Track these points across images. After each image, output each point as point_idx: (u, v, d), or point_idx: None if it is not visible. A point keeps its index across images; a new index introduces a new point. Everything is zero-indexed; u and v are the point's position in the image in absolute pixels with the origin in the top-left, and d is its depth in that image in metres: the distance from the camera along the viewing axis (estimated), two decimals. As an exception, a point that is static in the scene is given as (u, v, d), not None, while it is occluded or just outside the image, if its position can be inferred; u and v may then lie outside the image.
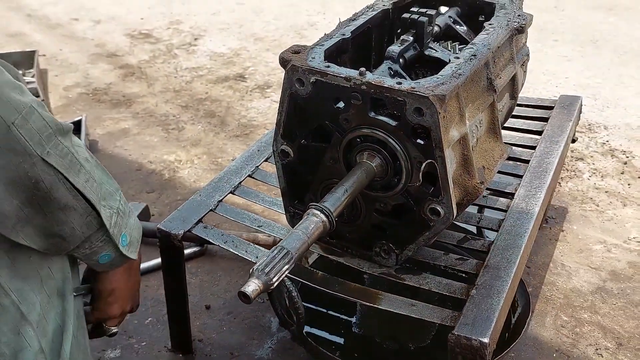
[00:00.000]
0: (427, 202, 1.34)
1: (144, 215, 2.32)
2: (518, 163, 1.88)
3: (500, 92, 1.50)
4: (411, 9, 1.47)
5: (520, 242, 1.54)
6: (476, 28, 1.63)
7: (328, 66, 1.34)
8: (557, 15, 4.06)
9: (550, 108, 2.15)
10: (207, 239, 1.61)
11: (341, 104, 1.34)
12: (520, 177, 1.80)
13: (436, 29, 1.54)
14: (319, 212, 1.20)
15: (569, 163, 2.73)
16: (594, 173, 2.68)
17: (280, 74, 2.86)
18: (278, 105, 1.45)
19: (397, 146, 1.31)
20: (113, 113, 3.13)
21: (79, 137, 2.69)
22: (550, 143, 1.94)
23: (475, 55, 1.36)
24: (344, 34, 1.48)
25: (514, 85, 1.59)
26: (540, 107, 2.18)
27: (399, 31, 1.50)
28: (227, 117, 3.09)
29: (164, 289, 1.78)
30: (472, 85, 1.36)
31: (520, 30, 1.50)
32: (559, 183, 2.61)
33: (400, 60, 1.42)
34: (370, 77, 1.29)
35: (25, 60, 3.38)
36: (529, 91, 3.25)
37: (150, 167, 2.72)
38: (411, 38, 1.42)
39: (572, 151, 2.81)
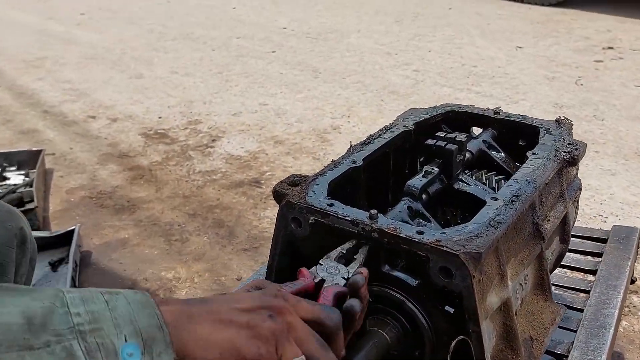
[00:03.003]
0: (457, 387, 1.02)
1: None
2: (568, 312, 1.54)
3: (549, 238, 1.20)
4: (437, 134, 1.21)
5: None
6: (516, 154, 1.37)
7: (331, 204, 1.07)
8: (596, 125, 3.81)
9: (603, 241, 1.83)
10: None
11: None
12: (573, 332, 1.46)
13: (468, 155, 1.27)
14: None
15: (623, 297, 2.36)
16: (653, 310, 2.29)
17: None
18: (270, 246, 1.17)
19: (417, 312, 1.00)
20: (114, 220, 2.91)
21: (69, 250, 2.47)
22: (606, 288, 1.60)
23: (518, 195, 1.08)
24: (354, 161, 1.22)
25: (564, 227, 1.29)
26: (591, 238, 1.86)
27: (421, 159, 1.23)
28: (237, 228, 2.83)
29: None
30: (514, 235, 1.06)
31: (572, 162, 1.22)
32: (613, 322, 2.23)
33: (423, 196, 1.14)
34: (383, 222, 1.01)
35: (30, 159, 3.24)
36: (570, 208, 2.93)
37: (144, 285, 2.43)
38: (436, 169, 1.15)
39: (624, 282, 2.45)
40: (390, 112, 3.94)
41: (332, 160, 1.25)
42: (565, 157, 1.23)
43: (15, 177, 3.17)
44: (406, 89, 4.35)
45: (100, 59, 5.49)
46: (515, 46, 5.34)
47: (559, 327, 1.48)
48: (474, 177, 1.27)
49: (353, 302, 0.82)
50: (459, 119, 1.47)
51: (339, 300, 0.83)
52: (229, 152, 3.60)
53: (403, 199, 1.11)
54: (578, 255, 1.79)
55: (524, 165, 1.19)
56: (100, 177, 3.34)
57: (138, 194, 3.16)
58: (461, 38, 5.65)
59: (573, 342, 1.41)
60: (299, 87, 4.58)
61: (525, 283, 1.12)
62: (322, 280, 0.87)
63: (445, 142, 1.18)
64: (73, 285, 2.29)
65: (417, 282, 1.00)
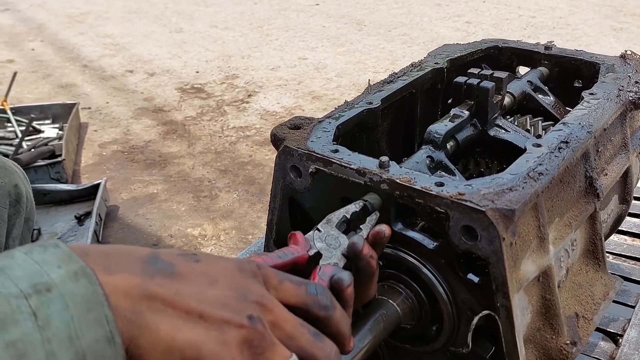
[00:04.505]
0: (482, 370, 0.85)
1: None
2: (626, 285, 1.33)
3: (605, 196, 0.99)
4: (470, 70, 1.00)
5: None
6: (570, 98, 1.15)
7: (335, 151, 0.89)
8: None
9: (671, 204, 1.59)
10: None
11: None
12: (631, 307, 1.26)
13: (508, 99, 1.06)
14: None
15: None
16: None
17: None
18: (269, 200, 1.01)
19: (434, 280, 0.83)
20: (144, 175, 2.82)
21: (93, 205, 2.39)
22: (674, 258, 1.38)
23: (567, 141, 0.87)
24: (370, 102, 1.04)
25: (626, 184, 1.07)
26: (656, 201, 1.62)
27: (449, 101, 1.04)
28: (268, 185, 2.70)
29: None
30: (560, 190, 0.87)
31: (639, 105, 1.00)
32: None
33: (449, 144, 0.95)
34: (395, 171, 0.83)
35: (65, 112, 3.18)
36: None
37: (169, 242, 2.34)
38: (466, 113, 0.95)
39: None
40: (438, 66, 3.68)
41: (346, 101, 1.07)
42: (630, 99, 1.00)
43: (49, 130, 3.12)
44: (456, 42, 4.06)
45: (143, 13, 5.39)
46: (579, -5, 4.93)
47: (614, 301, 1.28)
48: (516, 123, 1.07)
49: (341, 275, 0.65)
50: (502, 56, 1.26)
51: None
52: (265, 108, 3.45)
53: (423, 146, 0.92)
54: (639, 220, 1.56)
55: (578, 106, 0.98)
56: (133, 132, 3.26)
57: (170, 149, 3.06)
58: (519, -13, 5.26)
59: (630, 319, 1.21)
60: (341, 41, 4.36)
61: (573, 249, 0.93)
62: (318, 255, 0.70)
63: (479, 80, 0.98)
64: (95, 239, 2.22)
65: (435, 244, 0.82)
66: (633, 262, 1.43)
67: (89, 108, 3.53)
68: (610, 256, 1.45)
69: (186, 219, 2.49)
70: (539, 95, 1.11)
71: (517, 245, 0.77)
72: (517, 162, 0.84)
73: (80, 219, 2.42)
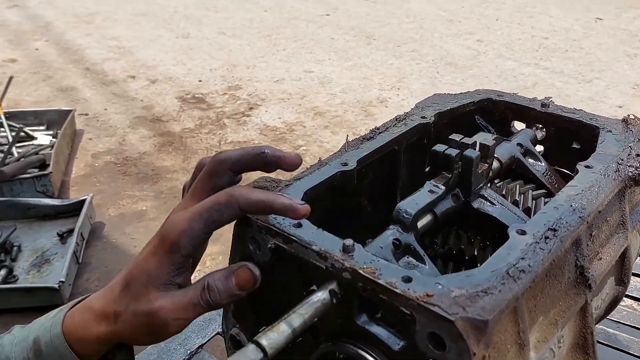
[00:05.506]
0: None
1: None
2: (634, 340, 1.23)
3: (599, 283, 0.89)
4: (451, 137, 0.91)
5: None
6: (567, 159, 1.05)
7: (299, 225, 0.80)
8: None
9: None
10: None
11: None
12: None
13: (494, 165, 0.97)
14: None
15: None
16: None
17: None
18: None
19: (398, 386, 0.74)
20: (135, 190, 2.75)
21: (77, 221, 2.31)
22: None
23: (555, 230, 0.78)
24: (345, 163, 0.95)
25: (623, 265, 0.97)
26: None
27: (426, 170, 0.95)
28: (261, 207, 2.61)
29: None
30: (546, 285, 0.77)
31: (639, 181, 0.90)
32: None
33: (425, 218, 0.86)
34: (359, 257, 0.74)
35: (61, 119, 3.11)
36: None
37: (153, 264, 2.26)
38: (442, 187, 0.86)
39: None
40: (445, 86, 3.58)
41: (320, 160, 0.98)
42: (630, 174, 0.91)
43: (42, 137, 3.06)
44: (465, 61, 3.95)
45: (152, 16, 5.34)
46: (594, 17, 4.80)
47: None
48: (505, 190, 0.97)
49: None
50: (496, 110, 1.16)
51: None
52: (265, 123, 3.37)
53: (390, 227, 0.83)
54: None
55: (571, 182, 0.88)
56: (128, 142, 3.19)
57: (164, 162, 2.99)
58: (534, 6, 5.13)
59: (624, 402, 1.12)
60: (349, 54, 4.26)
61: (560, 346, 0.83)
62: None
63: (459, 151, 0.88)
64: (75, 261, 2.14)
65: (401, 344, 0.73)
66: (634, 332, 1.33)
67: (87, 114, 3.47)
68: (607, 324, 1.35)
69: (173, 240, 2.41)
70: (530, 160, 1.02)
71: (490, 358, 0.68)
72: (496, 253, 0.74)
73: (63, 237, 2.35)
